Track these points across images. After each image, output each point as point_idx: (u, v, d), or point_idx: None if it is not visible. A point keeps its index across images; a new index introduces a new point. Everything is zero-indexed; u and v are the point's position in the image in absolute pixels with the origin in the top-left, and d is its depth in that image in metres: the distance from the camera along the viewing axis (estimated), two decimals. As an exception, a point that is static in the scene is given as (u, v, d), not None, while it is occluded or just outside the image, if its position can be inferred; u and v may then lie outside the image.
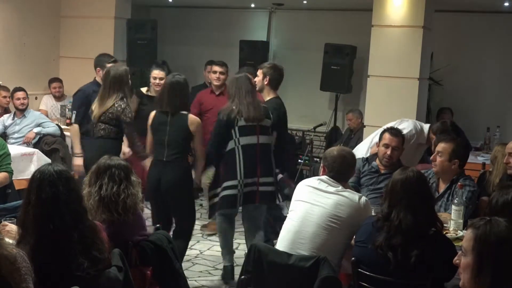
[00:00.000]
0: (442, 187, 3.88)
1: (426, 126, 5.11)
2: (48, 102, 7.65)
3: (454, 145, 3.86)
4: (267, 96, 4.80)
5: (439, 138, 4.22)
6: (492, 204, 2.87)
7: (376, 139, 4.69)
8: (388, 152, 4.20)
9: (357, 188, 3.96)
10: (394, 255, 2.84)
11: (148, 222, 5.35)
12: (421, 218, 2.86)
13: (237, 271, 4.47)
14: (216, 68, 6.04)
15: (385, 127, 4.60)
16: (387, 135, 4.26)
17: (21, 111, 6.58)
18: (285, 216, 3.50)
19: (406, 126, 4.96)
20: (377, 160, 4.30)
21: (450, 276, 2.82)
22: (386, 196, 3.02)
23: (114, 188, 3.01)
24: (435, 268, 2.80)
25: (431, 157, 4.03)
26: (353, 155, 3.60)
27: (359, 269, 3.00)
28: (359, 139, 6.72)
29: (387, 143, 4.23)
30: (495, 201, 2.87)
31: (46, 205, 2.50)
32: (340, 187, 3.38)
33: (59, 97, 7.60)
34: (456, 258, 2.09)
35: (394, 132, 4.29)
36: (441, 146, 3.88)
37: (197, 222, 6.26)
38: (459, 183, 3.74)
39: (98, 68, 5.48)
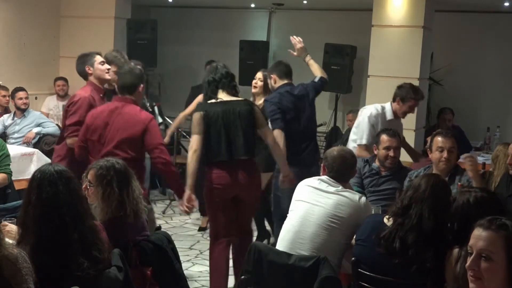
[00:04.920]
0: None
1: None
2: (50, 104, 7.65)
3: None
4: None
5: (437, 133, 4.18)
6: (454, 206, 2.78)
7: (363, 126, 4.81)
8: (391, 153, 4.19)
9: (362, 192, 3.92)
10: (403, 249, 2.82)
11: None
12: (441, 224, 2.83)
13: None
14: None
15: (367, 115, 4.81)
16: (385, 137, 4.23)
17: (22, 111, 6.58)
18: None
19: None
20: (377, 162, 4.29)
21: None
22: (408, 191, 2.96)
23: (121, 190, 3.01)
24: (437, 269, 2.80)
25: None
26: (353, 155, 3.60)
27: (359, 269, 3.00)
28: (359, 139, 6.72)
29: (388, 146, 4.21)
30: (456, 204, 2.77)
31: (46, 205, 2.49)
32: (340, 187, 3.38)
33: (63, 96, 7.60)
34: (469, 263, 1.98)
35: (392, 133, 4.28)
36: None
37: (198, 222, 6.31)
38: (459, 183, 3.74)
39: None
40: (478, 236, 1.99)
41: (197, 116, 4.09)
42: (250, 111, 4.17)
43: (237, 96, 4.28)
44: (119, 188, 2.98)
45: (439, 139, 3.92)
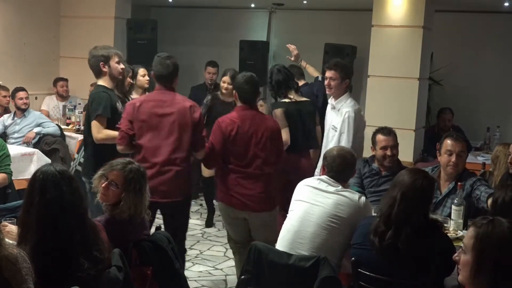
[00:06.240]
0: (445, 186, 3.86)
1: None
2: (50, 103, 7.65)
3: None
4: None
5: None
6: (498, 202, 2.85)
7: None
8: (388, 152, 4.17)
9: (362, 192, 3.92)
10: (380, 242, 2.87)
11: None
12: (396, 211, 2.87)
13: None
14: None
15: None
16: (381, 137, 4.20)
17: (22, 111, 6.58)
18: None
19: None
20: (376, 162, 4.27)
21: (448, 270, 2.83)
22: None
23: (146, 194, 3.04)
24: (433, 264, 2.81)
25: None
26: (353, 155, 3.59)
27: (359, 269, 3.00)
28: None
29: (384, 145, 4.18)
30: (501, 200, 2.85)
31: (50, 205, 2.48)
32: (340, 187, 3.38)
33: (65, 97, 7.60)
34: (456, 254, 2.11)
35: (387, 131, 4.25)
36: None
37: (198, 222, 6.32)
38: (459, 183, 3.73)
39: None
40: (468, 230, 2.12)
41: (279, 112, 4.71)
42: (315, 111, 5.05)
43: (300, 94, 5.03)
44: (146, 192, 3.02)
45: (448, 142, 3.87)
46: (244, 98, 4.15)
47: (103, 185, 2.96)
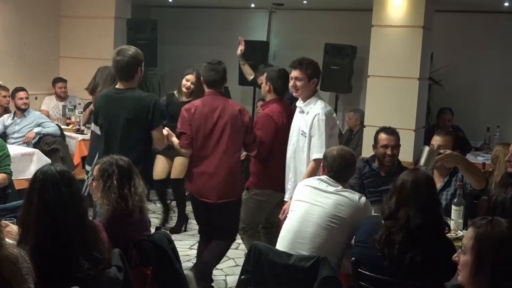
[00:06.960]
0: (440, 181, 3.86)
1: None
2: (50, 103, 7.65)
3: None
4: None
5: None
6: (492, 201, 2.88)
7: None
8: (389, 152, 4.17)
9: (362, 193, 3.90)
10: (390, 251, 2.84)
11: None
12: (430, 219, 2.85)
13: (237, 271, 4.48)
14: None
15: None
16: (383, 135, 4.21)
17: (22, 111, 6.58)
18: None
19: None
20: (376, 162, 4.27)
21: (449, 276, 2.82)
22: (393, 194, 2.96)
23: (121, 183, 3.03)
24: (434, 267, 2.80)
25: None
26: (353, 155, 3.59)
27: (359, 269, 3.00)
28: (360, 139, 6.73)
29: (386, 144, 4.19)
30: (494, 198, 2.88)
31: (49, 206, 2.48)
32: (340, 187, 3.38)
33: (63, 98, 7.60)
34: (455, 255, 2.12)
35: (390, 131, 4.26)
36: None
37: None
38: (458, 182, 3.74)
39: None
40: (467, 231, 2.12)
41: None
42: None
43: None
44: (119, 181, 3.00)
45: (436, 137, 3.95)
46: (279, 91, 4.54)
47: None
